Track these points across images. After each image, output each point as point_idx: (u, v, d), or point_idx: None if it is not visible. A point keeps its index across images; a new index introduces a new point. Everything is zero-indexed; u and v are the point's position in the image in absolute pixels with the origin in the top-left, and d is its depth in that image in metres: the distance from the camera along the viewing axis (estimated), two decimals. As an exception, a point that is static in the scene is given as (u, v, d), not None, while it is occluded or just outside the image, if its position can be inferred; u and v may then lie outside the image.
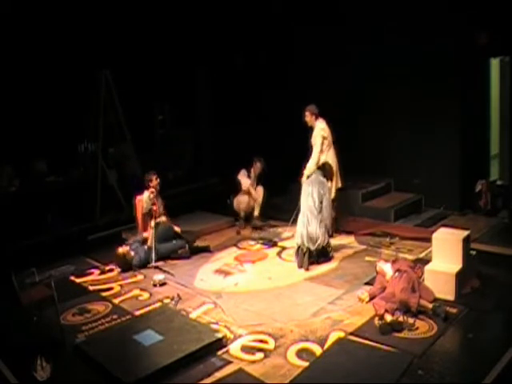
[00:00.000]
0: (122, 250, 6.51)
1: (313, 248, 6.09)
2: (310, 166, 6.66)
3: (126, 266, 6.44)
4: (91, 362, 4.30)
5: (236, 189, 7.98)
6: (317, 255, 6.17)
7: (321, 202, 6.11)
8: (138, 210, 6.83)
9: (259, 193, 7.94)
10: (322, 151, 6.81)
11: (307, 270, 6.07)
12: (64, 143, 8.56)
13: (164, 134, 10.70)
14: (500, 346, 4.21)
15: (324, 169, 6.42)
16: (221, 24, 9.53)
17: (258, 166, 7.94)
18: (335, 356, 4.24)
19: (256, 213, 8.00)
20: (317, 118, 6.95)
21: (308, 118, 6.96)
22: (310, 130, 6.99)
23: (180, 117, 10.55)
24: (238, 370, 4.13)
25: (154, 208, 6.76)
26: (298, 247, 6.17)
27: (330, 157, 6.89)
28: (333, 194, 6.83)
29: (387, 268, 5.20)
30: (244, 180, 7.90)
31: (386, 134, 8.34)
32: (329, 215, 6.21)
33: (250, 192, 7.91)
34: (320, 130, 6.86)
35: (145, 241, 6.75)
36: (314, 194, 6.11)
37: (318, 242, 6.10)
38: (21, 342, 4.67)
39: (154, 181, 6.89)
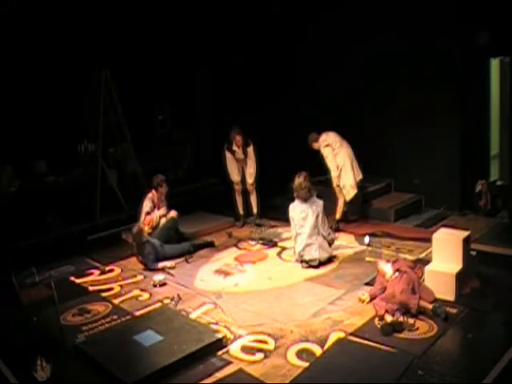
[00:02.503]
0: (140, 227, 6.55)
1: (325, 256, 6.21)
2: (333, 175, 7.28)
3: (138, 243, 6.51)
4: (91, 362, 4.30)
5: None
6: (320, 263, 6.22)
7: (317, 217, 6.21)
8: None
9: (250, 154, 7.81)
10: (335, 156, 7.26)
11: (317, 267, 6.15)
12: (64, 143, 8.56)
13: (164, 133, 10.70)
14: (500, 345, 4.21)
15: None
16: (221, 24, 9.53)
17: (238, 140, 7.71)
18: (335, 356, 4.24)
19: (254, 210, 8.04)
20: (316, 140, 7.38)
21: (315, 145, 7.39)
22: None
23: (180, 117, 10.55)
24: (238, 370, 4.13)
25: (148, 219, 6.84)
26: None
27: (341, 156, 7.28)
28: (352, 191, 7.32)
29: (387, 268, 5.19)
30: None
31: (386, 134, 8.34)
32: (326, 224, 6.38)
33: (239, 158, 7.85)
34: (322, 142, 7.30)
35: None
36: (311, 215, 6.19)
37: (326, 250, 6.21)
38: (21, 342, 4.67)
39: (164, 188, 7.00)
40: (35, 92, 8.10)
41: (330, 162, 7.26)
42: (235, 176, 7.91)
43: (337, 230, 7.24)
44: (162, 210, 6.98)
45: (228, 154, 7.87)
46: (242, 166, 7.94)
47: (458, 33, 7.50)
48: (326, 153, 7.29)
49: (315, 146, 7.38)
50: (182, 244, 6.97)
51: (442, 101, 7.70)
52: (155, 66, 9.21)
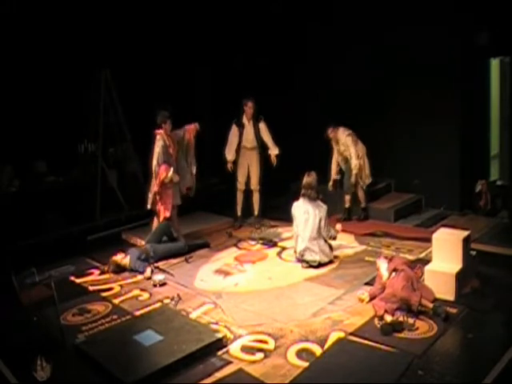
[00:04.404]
0: (115, 258, 6.41)
1: (326, 260, 6.21)
2: (356, 162, 7.62)
3: (120, 270, 6.40)
4: (91, 362, 4.30)
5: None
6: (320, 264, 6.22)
7: (319, 221, 6.19)
8: (159, 176, 6.68)
9: (263, 130, 7.73)
10: (356, 146, 7.65)
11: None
12: (64, 143, 8.54)
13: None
14: (500, 345, 4.21)
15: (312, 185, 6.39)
16: (221, 24, 9.52)
17: (250, 106, 7.63)
18: (335, 356, 4.24)
19: (256, 212, 8.02)
20: (337, 130, 7.70)
21: (333, 135, 7.76)
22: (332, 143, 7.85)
23: (180, 117, 10.52)
24: (238, 370, 4.13)
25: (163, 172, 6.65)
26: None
27: (360, 147, 7.75)
28: (367, 180, 7.83)
29: (383, 270, 5.17)
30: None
31: (386, 134, 8.34)
32: (327, 228, 6.31)
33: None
34: (343, 132, 7.71)
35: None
36: (313, 218, 6.17)
37: (326, 255, 6.21)
38: (21, 342, 4.67)
39: (168, 125, 6.85)
40: (35, 92, 8.09)
41: (353, 150, 7.62)
42: (230, 153, 7.68)
43: (366, 217, 7.84)
44: (172, 172, 6.73)
45: (234, 128, 7.70)
46: (247, 164, 7.81)
47: (459, 33, 7.50)
48: (350, 142, 7.63)
49: (334, 135, 7.69)
50: (176, 243, 6.92)
51: (442, 101, 7.71)
52: (155, 66, 9.19)
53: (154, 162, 6.73)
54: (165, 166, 6.70)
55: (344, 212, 7.88)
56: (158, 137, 6.83)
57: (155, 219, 7.02)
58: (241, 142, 7.74)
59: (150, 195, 6.87)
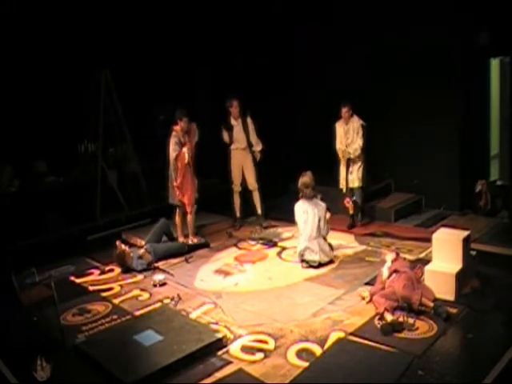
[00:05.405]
0: (123, 247, 6.46)
1: (326, 260, 6.20)
2: (357, 147, 7.43)
3: (124, 265, 6.42)
4: (91, 362, 4.30)
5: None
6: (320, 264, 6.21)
7: (319, 220, 6.19)
8: (180, 162, 6.92)
9: (250, 124, 7.75)
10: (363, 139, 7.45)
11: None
12: (64, 143, 8.55)
13: (164, 134, 10.65)
14: (500, 345, 4.21)
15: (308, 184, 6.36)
16: (221, 24, 9.53)
17: (235, 106, 7.66)
18: (335, 356, 4.24)
19: (259, 211, 7.97)
20: (352, 115, 7.47)
21: (349, 115, 7.47)
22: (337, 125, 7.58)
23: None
24: (238, 370, 4.13)
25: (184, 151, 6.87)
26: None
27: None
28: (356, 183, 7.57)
29: (385, 267, 5.18)
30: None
31: (386, 134, 8.33)
32: (327, 227, 6.32)
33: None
34: (359, 120, 7.48)
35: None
36: (312, 217, 6.17)
37: (326, 254, 6.20)
38: (21, 342, 4.67)
39: (184, 123, 6.93)
40: (35, 92, 8.09)
41: (360, 139, 7.42)
42: (226, 137, 7.77)
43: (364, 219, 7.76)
44: (187, 149, 6.92)
45: (224, 133, 7.75)
46: (241, 165, 7.80)
47: (459, 33, 7.50)
48: (362, 132, 7.45)
49: (350, 116, 7.47)
50: (175, 242, 6.98)
51: (442, 101, 7.70)
52: (155, 66, 9.19)
53: (171, 157, 6.96)
54: (181, 152, 6.90)
55: (351, 217, 7.78)
56: (173, 133, 7.01)
57: (177, 213, 7.19)
58: (232, 143, 7.76)
59: (172, 190, 7.06)
